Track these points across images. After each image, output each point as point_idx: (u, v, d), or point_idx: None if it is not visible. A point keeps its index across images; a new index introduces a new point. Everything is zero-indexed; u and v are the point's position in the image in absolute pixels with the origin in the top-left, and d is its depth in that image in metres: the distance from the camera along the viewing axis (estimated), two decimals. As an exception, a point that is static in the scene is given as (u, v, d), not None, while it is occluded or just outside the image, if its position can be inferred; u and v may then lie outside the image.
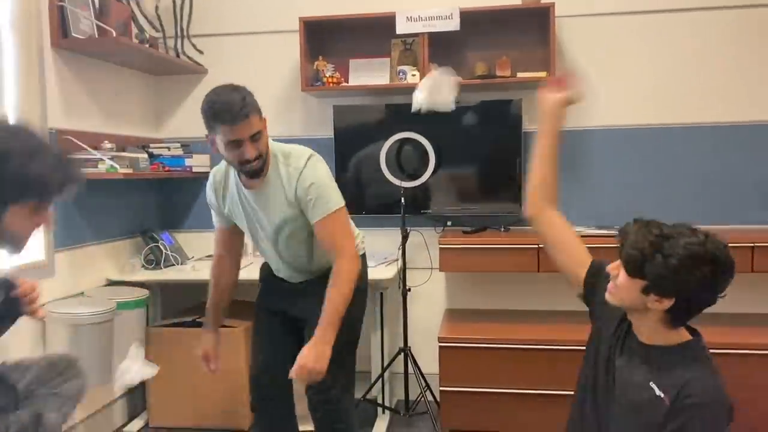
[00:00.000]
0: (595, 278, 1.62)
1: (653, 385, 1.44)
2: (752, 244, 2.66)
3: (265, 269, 2.35)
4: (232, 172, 2.12)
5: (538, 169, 1.75)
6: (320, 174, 2.05)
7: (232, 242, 2.32)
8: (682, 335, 1.48)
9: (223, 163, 2.16)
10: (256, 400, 2.31)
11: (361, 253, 2.22)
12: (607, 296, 1.51)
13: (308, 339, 2.03)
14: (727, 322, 2.73)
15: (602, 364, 1.58)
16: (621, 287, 1.45)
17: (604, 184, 3.21)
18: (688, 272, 1.35)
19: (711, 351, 1.49)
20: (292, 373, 1.99)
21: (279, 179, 2.05)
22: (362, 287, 2.20)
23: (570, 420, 1.69)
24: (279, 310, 2.29)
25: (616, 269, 1.47)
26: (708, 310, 1.43)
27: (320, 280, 2.08)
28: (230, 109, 1.89)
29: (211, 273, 2.34)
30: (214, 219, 2.28)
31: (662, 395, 1.41)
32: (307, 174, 2.03)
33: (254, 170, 2.00)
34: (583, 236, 2.85)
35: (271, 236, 2.14)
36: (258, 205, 2.11)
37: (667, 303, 1.39)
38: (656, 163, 3.15)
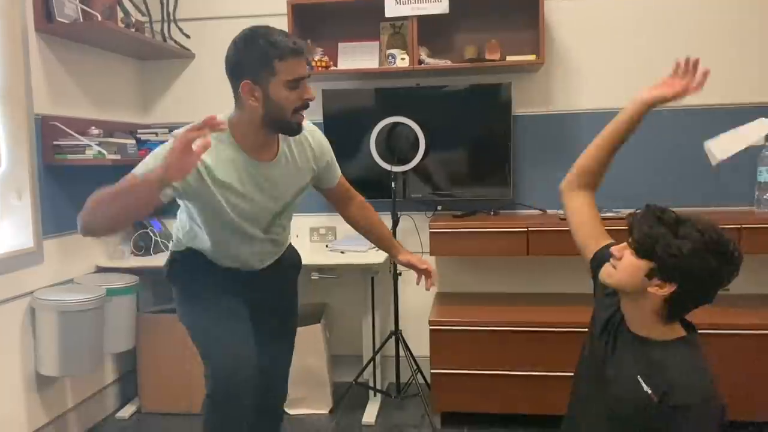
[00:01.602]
0: (600, 261, 1.60)
1: (641, 380, 1.43)
2: (739, 226, 2.69)
3: (202, 264, 1.96)
4: (228, 144, 1.76)
5: (593, 152, 1.73)
6: (321, 133, 2.03)
7: None
8: (676, 330, 1.47)
9: (214, 135, 1.69)
10: (252, 412, 1.91)
11: None
12: (603, 277, 1.50)
13: (274, 328, 2.08)
14: (713, 302, 2.76)
15: (596, 353, 1.58)
16: (624, 268, 1.43)
17: (593, 167, 3.22)
18: (698, 259, 1.35)
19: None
20: (431, 282, 2.15)
21: (288, 148, 1.88)
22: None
23: (569, 403, 1.69)
24: (238, 295, 1.96)
25: (620, 250, 1.46)
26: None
27: (278, 262, 2.07)
28: (294, 40, 1.66)
29: None
30: (138, 171, 1.69)
31: (649, 391, 1.41)
32: (318, 136, 1.98)
33: (300, 122, 1.77)
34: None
35: (273, 213, 1.91)
36: (278, 179, 1.86)
37: (668, 289, 1.39)
38: (645, 145, 3.17)
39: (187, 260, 1.98)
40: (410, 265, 2.20)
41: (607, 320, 1.58)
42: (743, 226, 2.70)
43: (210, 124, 1.47)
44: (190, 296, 1.98)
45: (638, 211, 1.46)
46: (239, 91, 1.69)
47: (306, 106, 1.75)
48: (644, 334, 1.48)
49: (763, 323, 2.63)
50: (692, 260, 1.35)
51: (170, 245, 2.09)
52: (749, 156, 3.03)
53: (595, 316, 1.64)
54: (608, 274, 1.49)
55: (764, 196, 2.92)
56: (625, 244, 1.47)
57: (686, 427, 1.36)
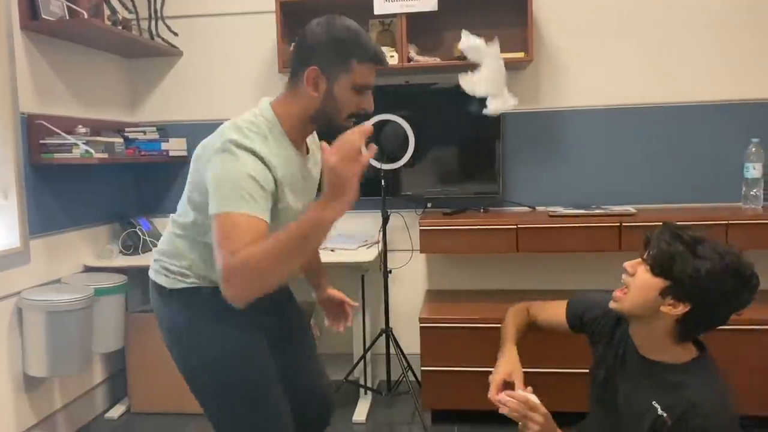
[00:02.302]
0: (574, 310, 1.69)
1: (656, 405, 1.40)
2: (727, 222, 2.70)
3: (216, 296, 1.48)
4: (279, 135, 1.56)
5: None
6: None
7: None
8: (689, 351, 1.45)
9: (259, 124, 1.54)
10: None
11: None
12: (613, 305, 1.48)
13: (299, 340, 1.87)
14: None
15: (604, 383, 1.56)
16: (638, 285, 1.41)
17: (582, 164, 3.23)
18: (716, 281, 1.33)
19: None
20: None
21: (309, 146, 1.73)
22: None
23: (584, 421, 1.69)
24: (264, 334, 1.72)
25: (634, 267, 1.44)
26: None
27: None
28: (378, 47, 1.54)
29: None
30: (256, 209, 1.42)
31: (664, 415, 1.38)
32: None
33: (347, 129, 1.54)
34: (561, 216, 2.91)
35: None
36: (310, 179, 1.70)
37: (682, 309, 1.37)
38: (633, 143, 3.18)
39: (206, 309, 1.61)
40: (332, 301, 2.00)
41: (609, 346, 1.58)
42: (731, 222, 2.71)
43: (366, 132, 1.34)
44: (226, 385, 1.61)
45: (655, 230, 1.44)
46: (301, 76, 1.53)
47: (360, 116, 1.61)
48: (656, 358, 1.45)
49: (755, 318, 2.66)
50: (709, 281, 1.33)
51: (162, 282, 1.67)
52: (736, 153, 3.06)
53: (597, 349, 1.65)
54: (617, 300, 1.47)
55: (751, 193, 2.94)
56: (639, 260, 1.44)
57: None
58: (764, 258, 3.11)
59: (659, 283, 1.38)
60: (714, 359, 1.46)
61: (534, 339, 2.76)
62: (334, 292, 2.02)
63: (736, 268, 1.34)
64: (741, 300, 1.36)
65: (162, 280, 1.69)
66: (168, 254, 1.68)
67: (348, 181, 1.27)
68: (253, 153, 1.45)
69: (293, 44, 1.60)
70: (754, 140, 2.94)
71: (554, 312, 1.75)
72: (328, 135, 1.56)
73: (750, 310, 2.81)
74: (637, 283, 1.42)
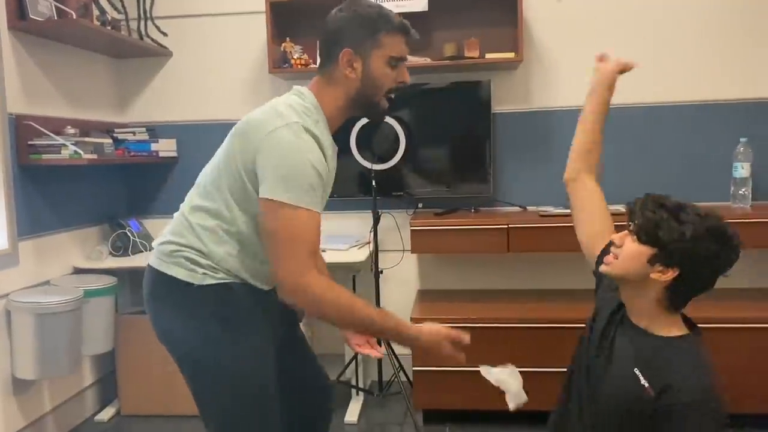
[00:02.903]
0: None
1: (638, 373, 1.42)
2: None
3: (248, 295, 1.57)
4: (323, 124, 1.55)
5: (583, 136, 1.77)
6: None
7: None
8: (679, 327, 1.47)
9: (311, 109, 1.54)
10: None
11: None
12: (603, 268, 1.50)
13: (298, 338, 1.83)
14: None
15: (598, 344, 1.56)
16: (626, 255, 1.44)
17: (572, 163, 3.24)
18: (700, 243, 1.37)
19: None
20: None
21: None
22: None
23: (558, 404, 1.68)
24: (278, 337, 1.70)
25: (621, 238, 1.47)
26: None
27: None
28: (402, 18, 1.54)
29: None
30: (315, 203, 1.45)
31: (646, 385, 1.40)
32: None
33: (386, 107, 1.62)
34: (551, 215, 2.91)
35: None
36: (333, 173, 1.67)
37: (671, 275, 1.40)
38: (622, 142, 3.19)
39: (233, 309, 1.55)
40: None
41: (611, 313, 1.57)
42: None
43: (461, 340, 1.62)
44: (236, 388, 1.55)
45: (637, 199, 1.48)
46: (337, 60, 1.52)
47: (398, 90, 1.61)
48: (645, 326, 1.48)
49: (739, 317, 2.68)
50: (695, 244, 1.37)
51: (183, 276, 1.54)
52: (725, 152, 3.08)
53: (597, 312, 1.63)
54: (608, 264, 1.49)
55: (740, 192, 2.96)
56: (625, 232, 1.47)
57: (684, 426, 1.35)
58: (754, 257, 3.14)
59: (647, 250, 1.41)
60: (703, 341, 1.47)
61: (533, 338, 2.78)
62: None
63: (719, 229, 1.38)
64: (726, 260, 1.40)
65: (182, 274, 1.54)
66: (191, 245, 1.54)
67: (437, 354, 1.59)
68: (316, 140, 1.46)
69: (321, 35, 1.59)
70: (742, 140, 2.96)
71: (600, 227, 1.67)
72: (377, 116, 1.63)
73: (749, 309, 2.84)
74: (626, 252, 1.45)
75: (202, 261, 1.53)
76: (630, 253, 1.44)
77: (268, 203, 1.42)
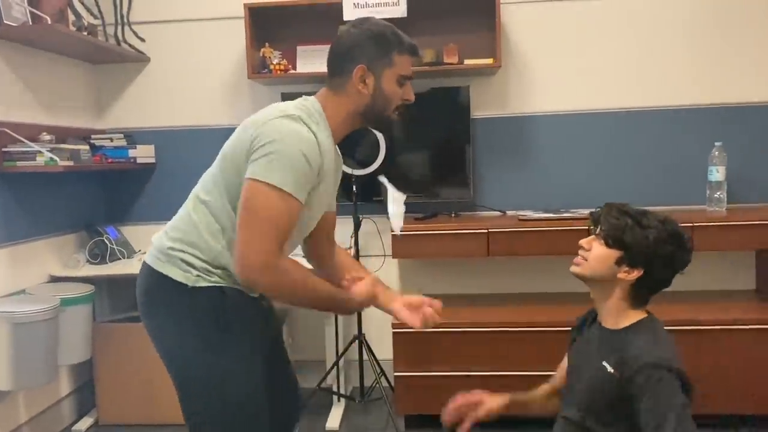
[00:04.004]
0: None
1: (605, 364, 1.51)
2: (692, 224, 2.76)
3: (240, 301, 1.58)
4: (325, 127, 1.58)
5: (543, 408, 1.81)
6: None
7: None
8: (639, 315, 1.57)
9: (311, 109, 1.58)
10: None
11: None
12: (573, 269, 1.61)
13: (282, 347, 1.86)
14: (667, 300, 2.83)
15: (571, 354, 1.69)
16: (595, 257, 1.56)
17: (551, 168, 3.27)
18: (661, 246, 1.50)
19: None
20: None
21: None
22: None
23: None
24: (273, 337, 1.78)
25: (588, 242, 1.59)
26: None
27: None
28: (411, 40, 1.63)
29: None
30: (298, 190, 1.46)
31: (612, 371, 1.49)
32: None
33: (394, 121, 1.68)
34: (531, 220, 2.94)
35: (316, 221, 1.71)
36: (338, 174, 1.75)
37: (636, 274, 1.52)
38: (600, 147, 3.23)
39: (227, 315, 1.55)
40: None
41: (581, 326, 1.71)
42: (696, 224, 2.77)
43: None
44: (226, 396, 1.54)
45: (600, 208, 1.61)
46: (350, 75, 1.57)
47: (404, 107, 1.67)
48: (611, 325, 1.58)
49: (714, 318, 2.71)
50: (657, 247, 1.50)
51: (179, 278, 1.53)
52: (700, 156, 3.12)
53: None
54: (577, 264, 1.60)
55: (715, 195, 3.00)
56: (592, 237, 1.59)
57: (649, 392, 1.41)
58: (729, 258, 3.19)
59: (614, 253, 1.53)
60: (658, 319, 1.59)
61: (514, 342, 2.80)
62: (409, 299, 1.80)
63: (676, 233, 1.53)
64: (682, 260, 1.54)
65: (176, 274, 1.54)
66: (189, 242, 1.55)
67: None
68: (310, 130, 1.50)
69: (330, 47, 1.65)
70: (717, 144, 3.01)
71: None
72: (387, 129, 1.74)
73: (745, 310, 2.88)
74: (594, 255, 1.57)
75: (197, 263, 1.54)
76: (598, 255, 1.56)
77: (252, 183, 1.44)
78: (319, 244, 1.83)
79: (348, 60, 1.58)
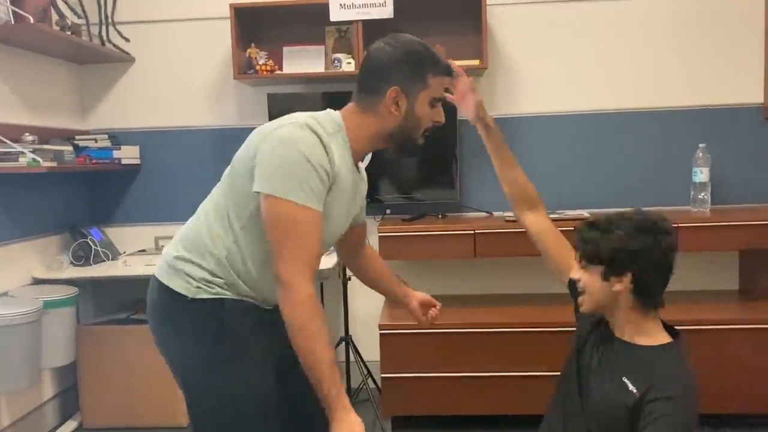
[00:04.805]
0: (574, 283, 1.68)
1: (626, 380, 1.47)
2: (676, 225, 2.77)
3: (242, 313, 1.53)
4: (342, 140, 1.52)
5: (502, 175, 1.82)
6: None
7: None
8: (663, 335, 1.54)
9: (325, 120, 1.51)
10: None
11: None
12: (582, 309, 1.57)
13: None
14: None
15: (581, 366, 1.62)
16: (587, 286, 1.53)
17: (537, 169, 3.26)
18: (636, 241, 1.45)
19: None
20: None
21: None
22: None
23: (549, 408, 1.71)
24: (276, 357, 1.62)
25: (576, 274, 1.55)
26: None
27: None
28: (445, 59, 1.59)
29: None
30: (313, 200, 1.40)
31: (633, 390, 1.45)
32: None
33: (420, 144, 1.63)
34: (517, 221, 2.93)
35: (339, 236, 1.69)
36: (359, 196, 1.70)
37: (628, 280, 1.47)
38: (586, 148, 3.25)
39: (230, 328, 1.51)
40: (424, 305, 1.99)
41: (590, 332, 1.64)
42: (680, 225, 2.79)
43: None
44: (236, 409, 1.51)
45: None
46: (383, 96, 1.50)
47: (433, 129, 1.62)
48: (629, 338, 1.54)
49: (698, 318, 2.73)
50: (631, 244, 1.45)
51: (181, 289, 1.50)
52: (684, 158, 3.15)
53: (577, 333, 1.69)
54: (582, 303, 1.57)
55: (699, 196, 3.03)
56: (576, 266, 1.56)
57: (666, 417, 1.40)
58: (712, 259, 3.22)
59: (598, 270, 1.50)
60: (686, 348, 1.53)
61: (500, 343, 2.80)
62: (421, 296, 2.01)
63: (645, 223, 1.48)
64: (667, 245, 1.47)
65: (178, 285, 1.51)
66: (192, 253, 1.52)
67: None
68: (323, 143, 1.42)
69: (362, 63, 1.57)
70: (701, 145, 3.03)
71: (563, 255, 1.74)
72: (412, 151, 1.65)
73: (745, 310, 2.90)
74: (585, 283, 1.54)
75: (198, 273, 1.50)
76: (588, 281, 1.53)
77: (264, 198, 1.39)
78: (348, 250, 1.93)
79: (382, 79, 1.51)
